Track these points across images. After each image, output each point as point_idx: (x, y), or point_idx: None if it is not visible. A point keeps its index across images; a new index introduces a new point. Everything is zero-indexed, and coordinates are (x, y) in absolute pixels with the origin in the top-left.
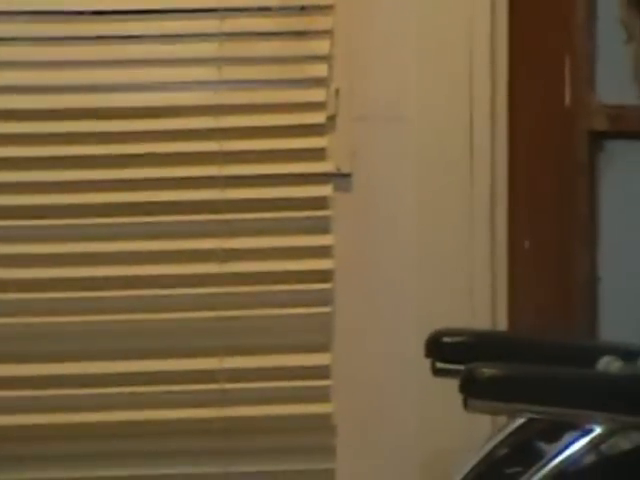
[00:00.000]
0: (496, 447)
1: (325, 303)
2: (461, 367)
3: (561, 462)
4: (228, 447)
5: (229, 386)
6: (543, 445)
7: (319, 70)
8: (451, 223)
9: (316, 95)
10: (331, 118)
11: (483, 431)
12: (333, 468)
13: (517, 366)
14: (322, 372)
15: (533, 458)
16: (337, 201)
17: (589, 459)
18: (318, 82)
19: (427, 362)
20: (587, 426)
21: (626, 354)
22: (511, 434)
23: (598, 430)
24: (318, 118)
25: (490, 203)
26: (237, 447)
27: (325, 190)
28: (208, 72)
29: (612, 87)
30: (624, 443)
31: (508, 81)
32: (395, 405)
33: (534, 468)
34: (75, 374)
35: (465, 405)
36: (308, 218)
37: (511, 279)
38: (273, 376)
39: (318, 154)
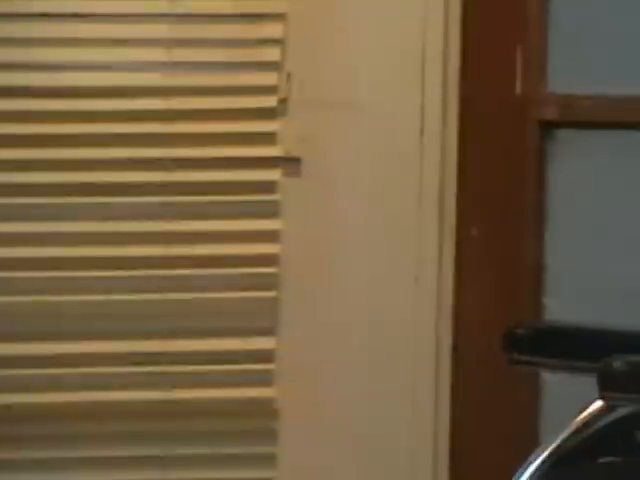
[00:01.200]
0: (575, 435)
1: (271, 287)
2: (539, 359)
3: None
4: (170, 430)
5: (172, 369)
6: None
7: (271, 54)
8: (400, 209)
9: (268, 79)
10: (282, 102)
11: (426, 416)
12: (274, 452)
13: None
14: (266, 356)
15: (631, 448)
16: (286, 186)
17: None
18: (270, 66)
19: (373, 346)
20: None
21: None
22: (592, 422)
23: None
24: (269, 102)
25: (439, 190)
26: (179, 430)
27: (274, 174)
28: (157, 53)
29: (563, 77)
30: None
31: (460, 69)
32: (339, 391)
33: None
34: (18, 355)
35: (603, 398)
36: (256, 202)
37: (458, 266)
38: (217, 359)
39: (268, 138)
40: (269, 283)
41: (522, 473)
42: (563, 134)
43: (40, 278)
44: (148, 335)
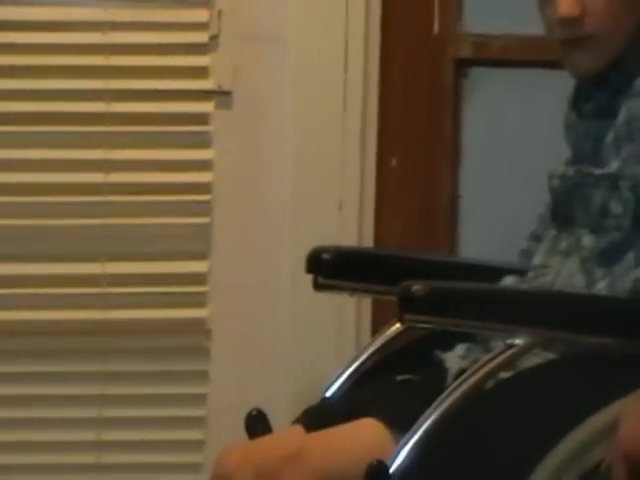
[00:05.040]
0: (375, 354)
1: (204, 214)
2: (341, 282)
3: (480, 378)
4: (108, 347)
5: (111, 290)
6: (438, 353)
7: None
8: (325, 141)
9: (200, 15)
10: (214, 38)
11: (351, 336)
12: (207, 370)
13: (452, 282)
14: (200, 279)
15: (428, 366)
16: (218, 117)
17: (505, 374)
18: (201, 3)
19: (300, 270)
20: (507, 340)
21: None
22: (392, 341)
23: (521, 344)
24: (201, 37)
25: (361, 123)
26: (116, 348)
27: (206, 106)
28: None
29: (478, 17)
30: (537, 358)
31: (382, 9)
32: (268, 311)
33: (455, 384)
34: None
35: (401, 320)
36: (190, 133)
37: (379, 195)
38: (153, 282)
39: (201, 72)
40: (202, 210)
41: (325, 391)
42: (477, 71)
43: None
44: (88, 258)
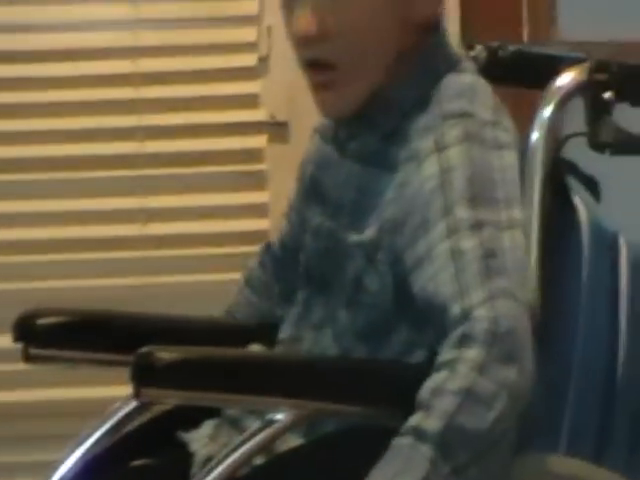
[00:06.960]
0: (108, 434)
1: None
2: (58, 352)
3: (230, 467)
4: None
5: None
6: (181, 433)
7: (249, 6)
8: None
9: (246, 34)
10: (263, 59)
11: None
12: None
13: (202, 349)
14: None
15: (170, 448)
16: (272, 153)
17: (260, 458)
18: (248, 20)
19: None
20: (268, 416)
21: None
22: (125, 421)
23: (282, 421)
24: (249, 60)
25: None
26: None
27: (259, 141)
28: (123, 10)
29: (575, 23)
30: (294, 439)
31: (461, 18)
32: None
33: (200, 475)
34: None
35: (137, 395)
36: (240, 173)
37: None
38: None
39: (250, 100)
40: None
41: None
42: None
43: (7, 264)
44: None
